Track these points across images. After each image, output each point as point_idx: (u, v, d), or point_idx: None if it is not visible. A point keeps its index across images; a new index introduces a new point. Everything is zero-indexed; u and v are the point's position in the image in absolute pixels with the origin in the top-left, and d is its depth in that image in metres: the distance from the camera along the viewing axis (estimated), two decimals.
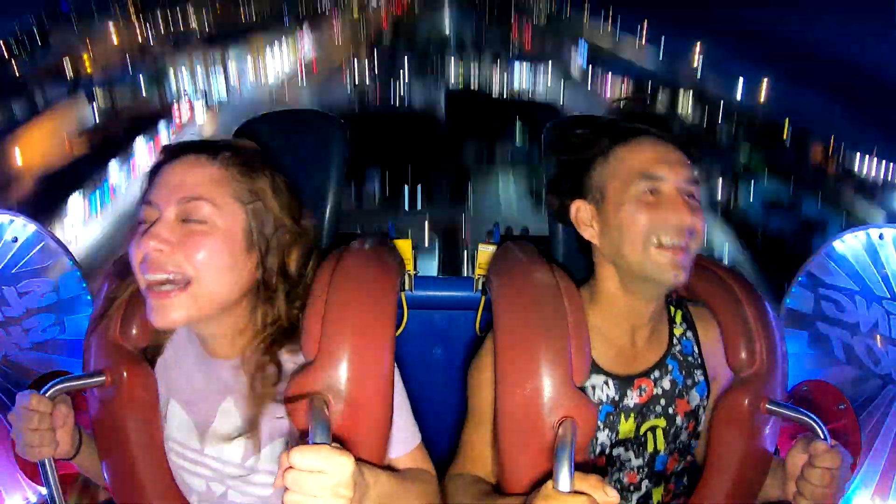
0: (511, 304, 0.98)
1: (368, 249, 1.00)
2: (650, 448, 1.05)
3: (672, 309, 1.11)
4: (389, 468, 0.95)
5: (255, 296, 0.92)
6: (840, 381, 1.55)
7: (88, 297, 1.64)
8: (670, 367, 1.07)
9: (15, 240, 1.61)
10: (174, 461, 0.99)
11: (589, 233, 1.04)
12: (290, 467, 0.72)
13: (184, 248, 0.84)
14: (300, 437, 0.86)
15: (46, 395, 0.94)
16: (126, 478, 1.00)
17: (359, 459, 0.81)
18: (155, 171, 0.90)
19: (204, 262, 0.85)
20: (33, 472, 1.44)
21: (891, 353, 1.51)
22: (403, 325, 1.43)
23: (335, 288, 0.91)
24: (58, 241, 1.65)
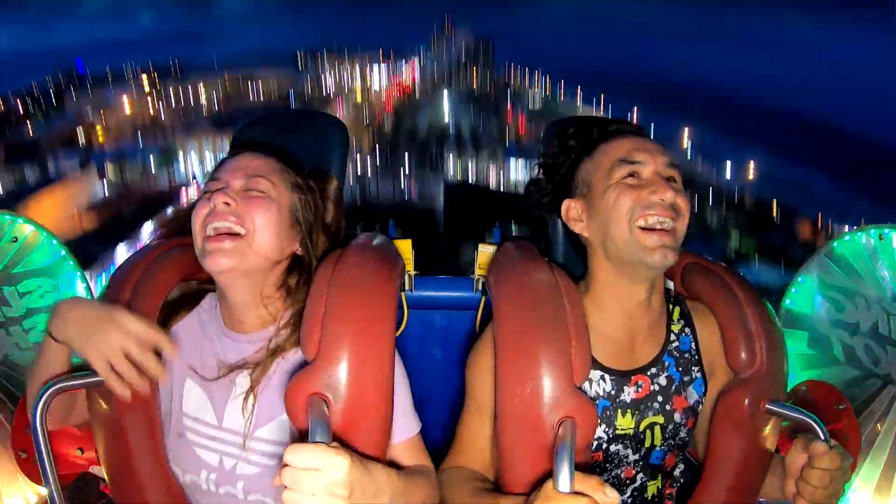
0: (511, 304, 0.98)
1: (369, 249, 1.00)
2: (647, 444, 1.06)
3: (670, 306, 1.12)
4: (393, 464, 0.95)
5: (288, 270, 1.06)
6: (840, 381, 1.55)
7: (88, 298, 1.64)
8: (667, 364, 1.07)
9: (15, 240, 1.60)
10: (189, 438, 1.02)
11: (579, 226, 1.08)
12: (288, 465, 0.73)
13: (245, 207, 1.00)
14: (299, 437, 0.86)
15: (43, 398, 0.92)
16: (126, 477, 1.00)
17: (373, 458, 0.83)
18: (223, 161, 1.09)
19: (258, 221, 0.99)
20: (33, 472, 1.44)
21: (891, 353, 1.51)
22: (403, 325, 1.43)
23: (335, 288, 0.92)
24: (58, 242, 1.65)
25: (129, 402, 0.97)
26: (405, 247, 1.37)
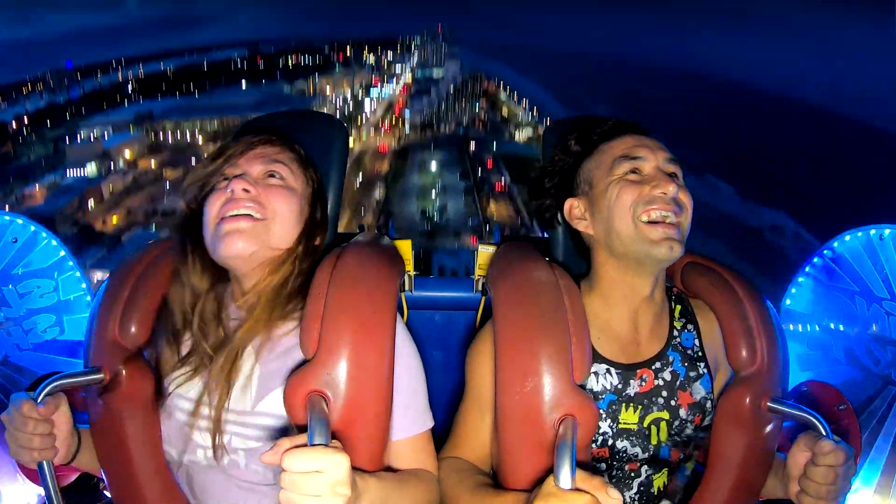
0: (511, 303, 0.98)
1: (368, 248, 1.00)
2: (654, 441, 1.06)
3: (672, 303, 1.12)
4: (387, 469, 0.95)
5: (293, 252, 1.02)
6: (840, 381, 1.55)
7: (88, 298, 1.65)
8: (671, 359, 1.07)
9: (15, 240, 1.61)
10: (179, 419, 0.98)
11: (583, 225, 1.08)
12: (286, 471, 0.72)
13: (265, 194, 0.99)
14: (298, 434, 0.85)
15: (43, 392, 0.93)
16: (124, 476, 1.00)
17: (372, 456, 0.82)
18: (233, 148, 1.03)
19: (278, 208, 0.99)
20: (33, 472, 1.44)
21: (891, 353, 1.51)
22: None
23: (335, 286, 0.91)
24: (58, 241, 1.65)
25: (128, 401, 0.97)
26: (405, 247, 1.37)
